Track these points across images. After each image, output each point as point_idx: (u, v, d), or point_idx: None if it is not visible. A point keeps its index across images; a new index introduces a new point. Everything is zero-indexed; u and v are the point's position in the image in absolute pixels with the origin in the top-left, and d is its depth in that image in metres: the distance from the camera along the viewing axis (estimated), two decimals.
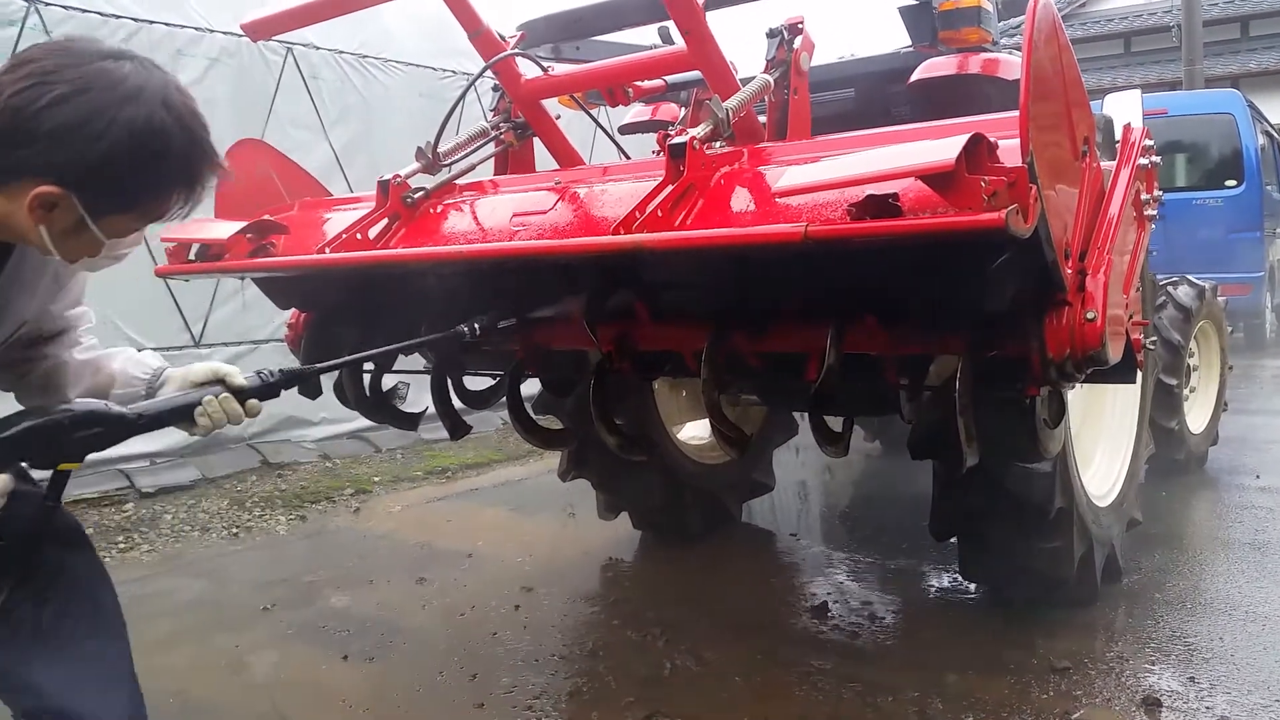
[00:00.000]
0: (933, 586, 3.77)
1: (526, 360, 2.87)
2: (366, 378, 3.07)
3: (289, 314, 3.22)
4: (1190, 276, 5.06)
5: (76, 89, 1.44)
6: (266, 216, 2.83)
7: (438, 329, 2.79)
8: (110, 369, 2.02)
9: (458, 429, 3.11)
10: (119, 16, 5.38)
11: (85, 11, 5.24)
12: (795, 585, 3.88)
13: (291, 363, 3.25)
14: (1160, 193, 2.67)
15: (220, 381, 1.86)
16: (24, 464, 1.75)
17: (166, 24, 5.58)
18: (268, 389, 1.89)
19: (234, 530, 4.73)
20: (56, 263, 1.78)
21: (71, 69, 1.45)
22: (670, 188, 2.10)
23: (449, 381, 3.03)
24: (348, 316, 3.04)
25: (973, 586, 3.59)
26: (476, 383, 3.14)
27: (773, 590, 3.82)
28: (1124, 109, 3.20)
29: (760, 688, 2.89)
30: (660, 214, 2.04)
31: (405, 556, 4.24)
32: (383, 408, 3.08)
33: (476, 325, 2.41)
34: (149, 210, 1.60)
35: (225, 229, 2.70)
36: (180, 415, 1.85)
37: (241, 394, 1.85)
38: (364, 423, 5.03)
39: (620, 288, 2.48)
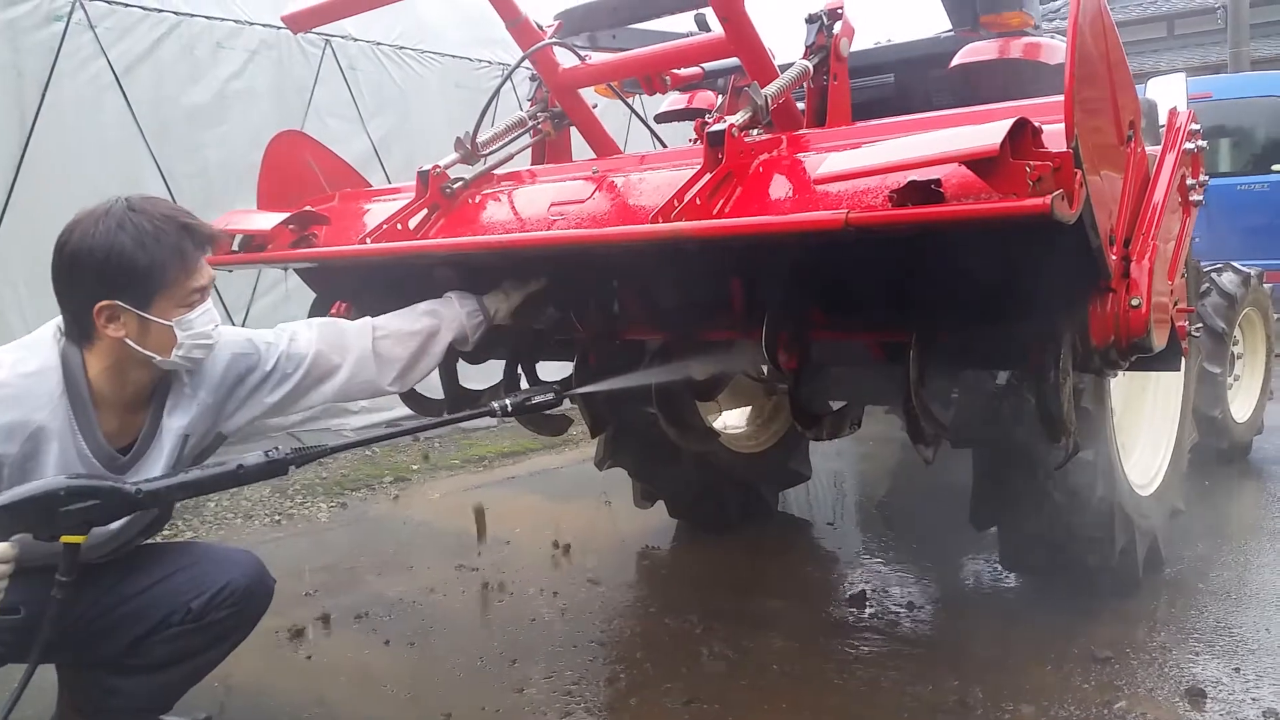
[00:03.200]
0: (972, 576, 3.74)
1: (591, 349, 2.86)
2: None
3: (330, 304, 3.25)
4: (1235, 263, 4.98)
5: (68, 231, 2.00)
6: (308, 208, 2.86)
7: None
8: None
9: (559, 427, 3.11)
10: (160, 10, 5.44)
11: (127, 6, 5.30)
12: (832, 574, 3.88)
13: None
14: (1206, 177, 2.62)
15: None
16: (28, 534, 1.81)
17: (207, 17, 5.63)
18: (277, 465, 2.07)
19: (276, 517, 4.80)
20: (208, 390, 2.21)
21: (66, 228, 2.00)
22: (708, 176, 2.10)
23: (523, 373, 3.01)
24: (389, 306, 3.06)
25: (1013, 576, 3.56)
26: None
27: (810, 579, 3.81)
28: (1168, 93, 3.16)
29: (798, 676, 2.89)
30: (699, 202, 2.04)
31: (444, 543, 4.28)
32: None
33: (508, 402, 2.45)
34: (169, 283, 2.00)
35: (268, 220, 2.74)
36: (186, 491, 2.02)
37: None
38: (402, 411, 5.06)
39: (690, 278, 2.47)
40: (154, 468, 2.12)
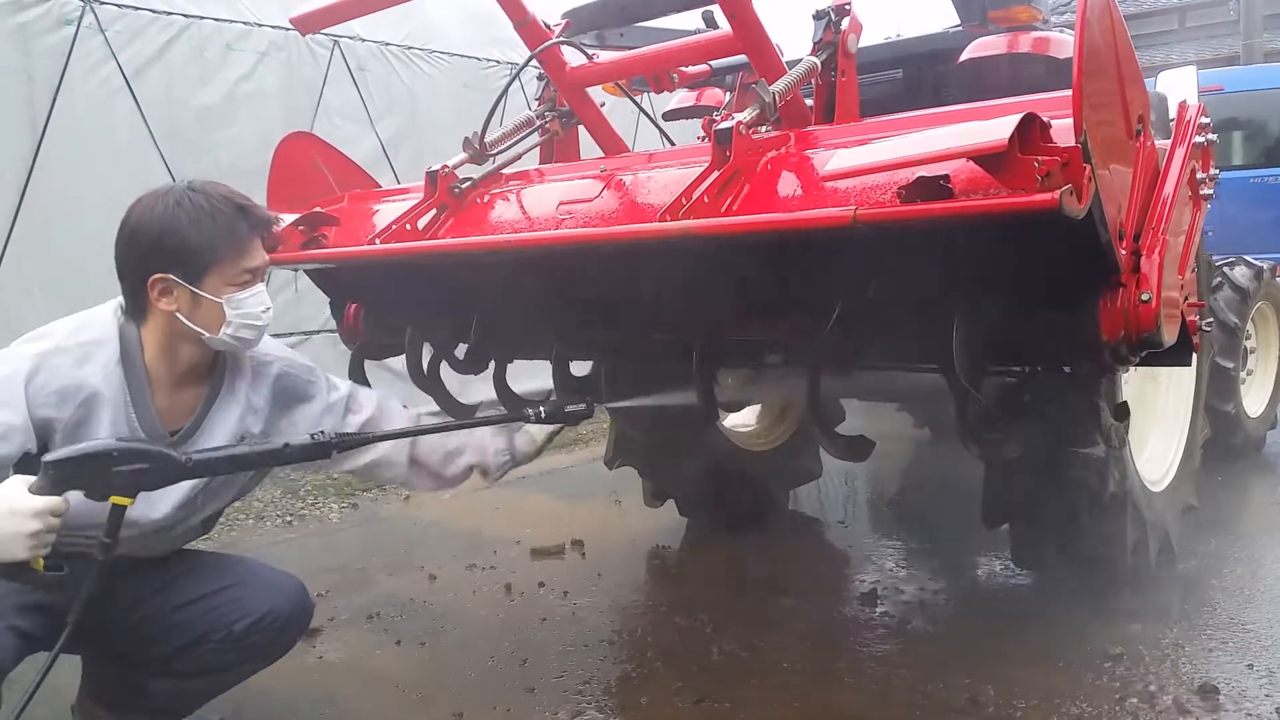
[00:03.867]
0: (983, 573, 3.74)
1: (625, 348, 2.87)
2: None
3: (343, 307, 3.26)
4: (1248, 257, 4.95)
5: (130, 210, 2.08)
6: (317, 209, 2.87)
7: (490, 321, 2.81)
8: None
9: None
10: (170, 13, 5.45)
11: (137, 9, 5.32)
12: (843, 572, 3.87)
13: (342, 351, 3.33)
14: (1216, 171, 2.61)
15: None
16: (79, 491, 1.83)
17: (216, 19, 5.65)
18: (320, 447, 2.11)
19: (288, 519, 4.81)
20: (265, 392, 2.28)
21: (129, 208, 2.08)
22: (716, 173, 2.09)
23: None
24: (398, 306, 3.07)
25: (1024, 573, 3.55)
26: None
27: (821, 577, 3.81)
28: (1179, 86, 3.14)
29: (809, 674, 2.88)
30: (706, 200, 2.03)
31: (455, 543, 4.29)
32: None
33: (542, 409, 2.49)
34: (221, 261, 2.06)
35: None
36: (233, 465, 2.04)
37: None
38: (430, 406, 5.09)
39: (716, 277, 2.47)
40: None
